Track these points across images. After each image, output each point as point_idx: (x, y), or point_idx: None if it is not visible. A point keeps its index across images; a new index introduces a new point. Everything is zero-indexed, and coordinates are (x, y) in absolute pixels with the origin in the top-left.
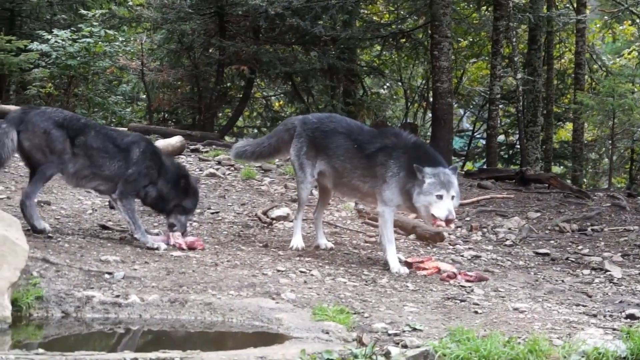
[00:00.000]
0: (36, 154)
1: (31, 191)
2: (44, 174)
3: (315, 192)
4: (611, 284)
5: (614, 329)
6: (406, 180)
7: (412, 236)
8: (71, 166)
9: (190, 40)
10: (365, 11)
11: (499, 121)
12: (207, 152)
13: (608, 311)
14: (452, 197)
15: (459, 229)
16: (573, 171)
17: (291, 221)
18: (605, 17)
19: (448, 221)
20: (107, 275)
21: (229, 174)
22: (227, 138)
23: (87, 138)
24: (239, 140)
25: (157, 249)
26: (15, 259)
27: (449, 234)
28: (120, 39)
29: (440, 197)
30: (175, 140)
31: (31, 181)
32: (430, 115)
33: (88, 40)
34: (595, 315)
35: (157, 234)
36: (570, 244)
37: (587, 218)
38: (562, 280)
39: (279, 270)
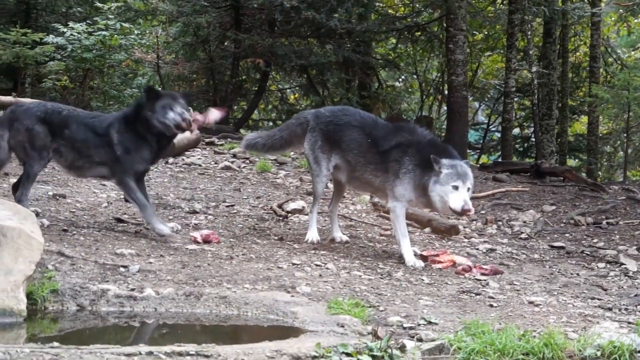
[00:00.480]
0: (19, 151)
1: (21, 194)
2: (27, 173)
3: (330, 186)
4: (626, 277)
5: (630, 323)
6: (421, 176)
7: (427, 229)
8: (62, 160)
9: (206, 33)
10: (381, 4)
11: (514, 114)
12: (222, 145)
13: (623, 304)
14: (468, 189)
15: (474, 222)
16: (588, 164)
17: (306, 214)
18: (620, 10)
19: (464, 211)
20: (122, 269)
21: (244, 167)
22: (242, 131)
23: (70, 131)
24: (251, 132)
25: (163, 235)
26: (30, 252)
27: (464, 227)
28: (136, 32)
29: (456, 187)
30: (191, 133)
31: (20, 184)
32: (445, 108)
33: (103, 33)
34: (610, 309)
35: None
36: (585, 237)
37: (602, 211)
38: (577, 274)
39: (294, 264)
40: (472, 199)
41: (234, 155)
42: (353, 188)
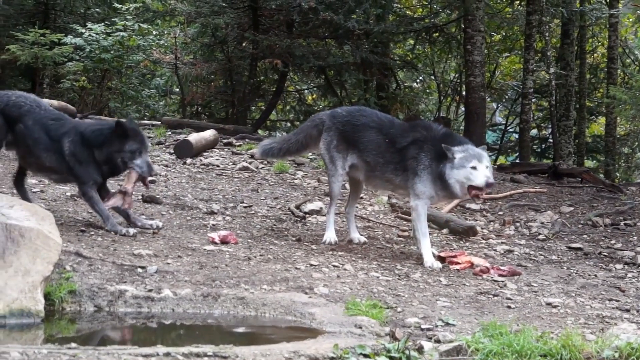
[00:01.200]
0: None
1: None
2: None
3: (347, 186)
4: None
5: None
6: (437, 169)
7: (445, 230)
8: (17, 153)
9: (224, 34)
10: (399, 5)
11: (531, 115)
12: (240, 145)
13: None
14: (487, 167)
15: (492, 223)
16: (606, 165)
17: (324, 215)
18: (638, 12)
19: (489, 185)
20: (140, 270)
21: (262, 168)
22: (260, 132)
23: (25, 127)
24: (265, 139)
25: (131, 235)
26: (48, 253)
27: (482, 228)
28: (154, 32)
29: (474, 167)
30: (209, 134)
31: None
32: (463, 109)
33: (122, 33)
34: (628, 310)
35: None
36: (603, 238)
37: (620, 212)
38: (595, 275)
39: (311, 265)
40: (489, 200)
41: (252, 156)
42: (372, 188)
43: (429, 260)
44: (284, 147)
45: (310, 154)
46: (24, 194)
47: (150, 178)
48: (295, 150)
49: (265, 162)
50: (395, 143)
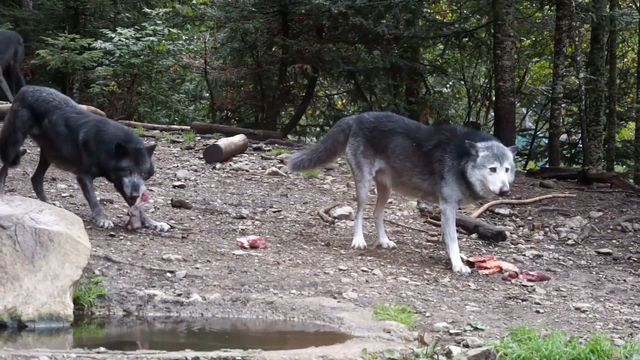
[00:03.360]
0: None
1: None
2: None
3: (375, 191)
4: None
5: None
6: (461, 168)
7: (474, 235)
8: (43, 148)
9: (254, 38)
10: (428, 10)
11: (561, 120)
12: (269, 150)
13: None
14: (507, 170)
15: (521, 228)
16: (636, 170)
17: (353, 220)
18: None
19: (502, 193)
20: (169, 274)
21: (291, 173)
22: (289, 137)
23: (50, 122)
24: (295, 151)
25: (105, 227)
26: (77, 257)
27: (511, 233)
28: (184, 37)
29: (494, 169)
30: (238, 139)
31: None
32: (492, 114)
33: (152, 38)
34: None
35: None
36: (632, 243)
37: None
38: (624, 280)
39: (340, 269)
40: (519, 205)
41: (281, 161)
42: (401, 193)
43: (458, 264)
44: (314, 157)
45: (340, 159)
46: (40, 192)
47: (135, 196)
48: (325, 159)
49: None
50: (422, 147)
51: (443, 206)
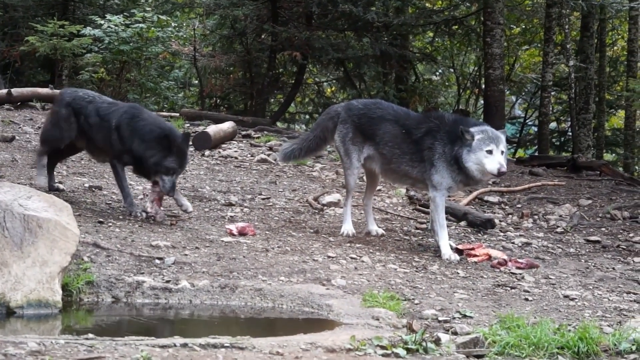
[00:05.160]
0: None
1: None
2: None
3: (362, 181)
4: None
5: None
6: (452, 154)
7: (463, 223)
8: (84, 145)
9: (243, 25)
10: None
11: (550, 108)
12: (258, 137)
13: None
14: (502, 152)
15: (510, 216)
16: (625, 159)
17: (342, 207)
18: None
19: (500, 173)
20: (157, 261)
21: (282, 163)
22: (278, 124)
23: (86, 117)
24: (284, 142)
25: (139, 219)
26: (66, 244)
27: (500, 221)
28: (173, 24)
29: (490, 152)
30: (227, 126)
31: None
32: (482, 102)
33: (141, 25)
34: None
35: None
36: (621, 231)
37: (638, 205)
38: (613, 268)
39: (329, 257)
40: (508, 193)
41: (270, 148)
42: (389, 180)
43: (447, 252)
44: (304, 146)
45: (329, 147)
46: (51, 181)
47: (171, 195)
48: (315, 147)
49: None
50: (411, 134)
51: (432, 193)
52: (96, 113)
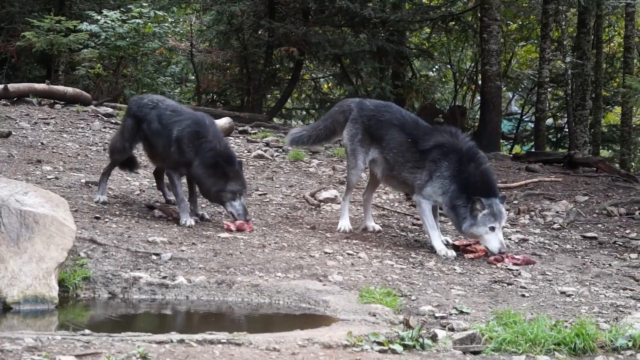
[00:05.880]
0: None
1: (103, 174)
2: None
3: (365, 175)
4: None
5: None
6: (455, 196)
7: None
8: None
9: (240, 21)
10: None
11: (547, 104)
12: (255, 133)
13: None
14: (502, 228)
15: (507, 212)
16: (621, 155)
17: (339, 203)
18: None
19: (501, 254)
20: (154, 257)
21: (277, 156)
22: (275, 120)
23: (148, 125)
24: (292, 127)
25: (188, 226)
26: (62, 240)
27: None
28: (170, 20)
29: (492, 229)
30: (224, 122)
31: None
32: (479, 98)
33: (137, 21)
34: None
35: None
36: (618, 227)
37: (635, 202)
38: (610, 264)
39: (326, 253)
40: (504, 189)
41: (267, 144)
42: (390, 187)
43: (442, 250)
44: (314, 134)
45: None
46: (161, 188)
47: (248, 220)
48: (324, 137)
49: (281, 150)
50: (417, 144)
51: (418, 198)
52: (158, 120)
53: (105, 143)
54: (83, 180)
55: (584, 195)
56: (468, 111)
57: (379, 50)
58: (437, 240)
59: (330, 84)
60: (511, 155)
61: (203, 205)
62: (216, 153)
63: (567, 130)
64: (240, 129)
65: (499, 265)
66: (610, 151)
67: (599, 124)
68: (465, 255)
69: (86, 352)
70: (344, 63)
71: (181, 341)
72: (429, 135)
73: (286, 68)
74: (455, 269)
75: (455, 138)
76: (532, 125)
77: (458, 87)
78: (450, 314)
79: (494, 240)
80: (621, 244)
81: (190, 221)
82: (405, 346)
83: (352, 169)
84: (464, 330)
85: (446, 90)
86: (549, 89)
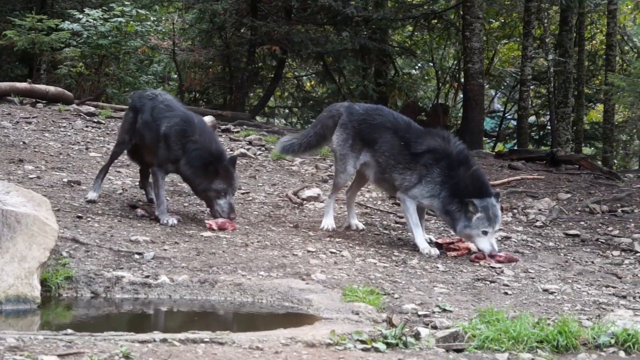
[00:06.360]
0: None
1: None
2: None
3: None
4: None
5: None
6: (447, 202)
7: None
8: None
9: (222, 20)
10: None
11: (530, 102)
12: (238, 132)
13: (638, 292)
14: (495, 232)
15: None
16: (603, 152)
17: (322, 202)
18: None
19: (491, 256)
20: (136, 256)
21: (259, 154)
22: (258, 118)
23: (143, 118)
24: (284, 135)
25: (167, 225)
26: (44, 239)
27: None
28: (152, 18)
29: (485, 232)
30: (206, 120)
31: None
32: (461, 96)
33: (119, 19)
34: (624, 297)
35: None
36: (600, 225)
37: (617, 199)
38: (592, 262)
39: (309, 251)
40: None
41: (250, 143)
42: (382, 189)
43: (425, 248)
44: (304, 142)
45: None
46: (144, 187)
47: (233, 218)
48: (315, 144)
49: (264, 149)
50: (410, 147)
51: (402, 196)
52: (151, 111)
53: (88, 142)
54: (65, 180)
55: (567, 192)
56: (451, 109)
57: (361, 48)
58: (421, 238)
59: (312, 82)
60: (494, 153)
61: (195, 203)
62: (204, 150)
63: (549, 127)
64: (223, 127)
65: (481, 263)
66: (592, 149)
67: (581, 121)
68: (448, 253)
69: (69, 351)
70: (326, 61)
71: (164, 340)
72: (421, 139)
73: (269, 66)
74: (438, 267)
75: (447, 143)
76: (515, 123)
77: (441, 85)
78: (433, 312)
79: (485, 243)
80: (604, 241)
81: (173, 220)
82: (388, 344)
83: (340, 173)
84: (447, 328)
85: (429, 88)
86: (531, 87)
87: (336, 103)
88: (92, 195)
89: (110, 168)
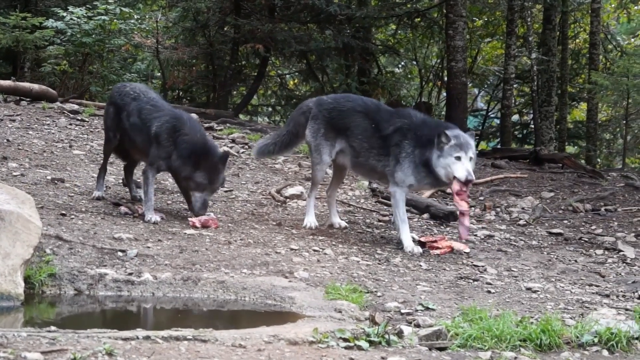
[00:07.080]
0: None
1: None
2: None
3: (329, 171)
4: (624, 264)
5: (627, 309)
6: (420, 157)
7: (425, 215)
8: (124, 140)
9: (206, 18)
10: None
11: (513, 101)
12: (221, 130)
13: (621, 291)
14: (470, 159)
15: (473, 208)
16: (587, 151)
17: (305, 200)
18: None
19: (468, 181)
20: (120, 253)
21: (242, 152)
22: (241, 116)
23: (127, 114)
24: (259, 139)
25: (152, 222)
26: (28, 236)
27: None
28: (136, 16)
29: (458, 158)
30: None
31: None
32: (444, 94)
33: (103, 17)
34: (608, 296)
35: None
36: (583, 223)
37: (600, 198)
38: (575, 260)
39: (292, 249)
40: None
41: (233, 141)
42: (359, 174)
43: (409, 245)
44: (279, 141)
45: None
46: (129, 184)
47: (203, 214)
48: (289, 142)
49: (247, 147)
50: (380, 129)
51: (393, 189)
52: (138, 114)
53: (71, 140)
54: (49, 177)
55: (550, 191)
56: (434, 107)
57: (344, 46)
58: (406, 235)
59: (296, 81)
60: (477, 152)
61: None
62: (193, 143)
63: (532, 126)
64: (206, 125)
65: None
66: (575, 147)
67: (564, 120)
68: (431, 251)
69: (52, 348)
70: (309, 59)
71: (147, 338)
72: (390, 119)
73: (252, 65)
74: (421, 265)
75: (410, 118)
76: (498, 122)
77: (424, 83)
78: (416, 310)
79: (460, 169)
80: (587, 240)
81: (156, 218)
82: (371, 342)
83: (317, 164)
84: (430, 326)
85: (412, 87)
86: (514, 85)
87: (306, 100)
88: (97, 193)
89: (100, 165)
